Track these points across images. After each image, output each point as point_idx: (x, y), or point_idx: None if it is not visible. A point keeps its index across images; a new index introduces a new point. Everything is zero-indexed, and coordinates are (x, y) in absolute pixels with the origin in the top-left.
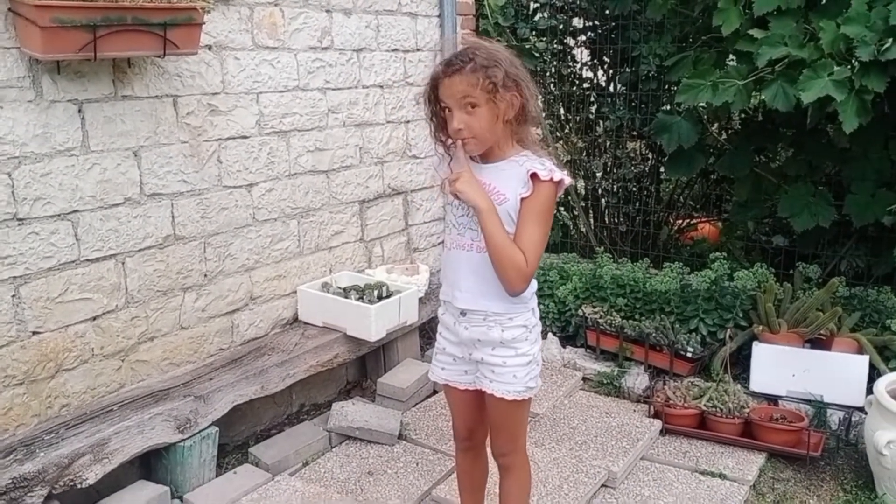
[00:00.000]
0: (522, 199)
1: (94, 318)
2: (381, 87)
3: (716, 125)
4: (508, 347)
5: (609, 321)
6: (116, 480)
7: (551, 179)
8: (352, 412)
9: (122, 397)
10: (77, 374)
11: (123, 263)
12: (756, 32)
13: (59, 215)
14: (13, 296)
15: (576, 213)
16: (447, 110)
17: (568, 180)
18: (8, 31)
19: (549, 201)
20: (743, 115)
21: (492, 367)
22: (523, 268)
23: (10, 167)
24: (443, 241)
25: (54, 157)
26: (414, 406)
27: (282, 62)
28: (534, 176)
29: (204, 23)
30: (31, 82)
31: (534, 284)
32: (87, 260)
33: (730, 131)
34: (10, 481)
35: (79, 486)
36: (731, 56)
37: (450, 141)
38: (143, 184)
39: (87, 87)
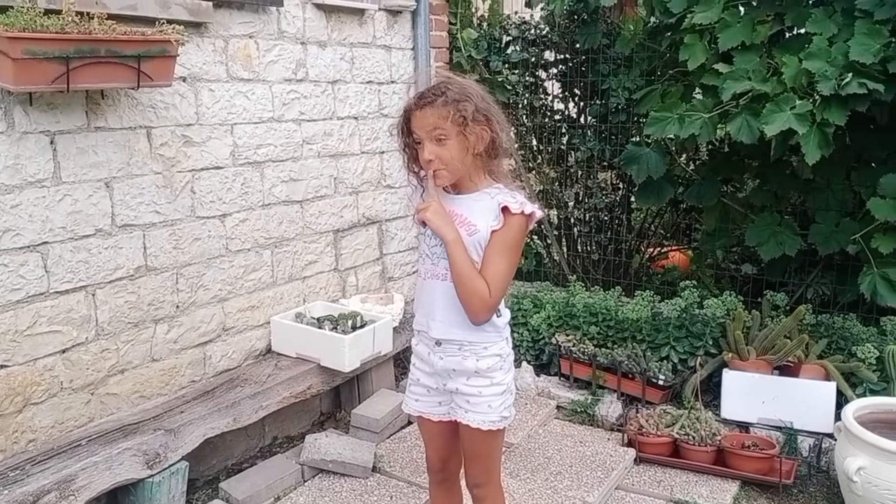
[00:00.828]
0: (493, 232)
1: (64, 351)
2: (356, 118)
3: (684, 156)
4: (483, 377)
5: (582, 349)
6: None
7: (522, 212)
8: (325, 444)
9: (91, 431)
10: (45, 408)
11: (94, 295)
12: (721, 67)
13: (28, 247)
14: None
15: (549, 241)
16: (419, 142)
17: (539, 213)
18: None
19: (518, 234)
20: (710, 147)
21: (467, 397)
22: (486, 298)
23: None
24: (417, 271)
25: (25, 189)
26: (388, 437)
27: (256, 94)
28: (505, 209)
29: (178, 55)
30: (2, 114)
31: (507, 314)
32: (57, 292)
33: (697, 162)
34: None
35: None
36: (697, 89)
37: (422, 172)
38: (115, 215)
39: (60, 119)
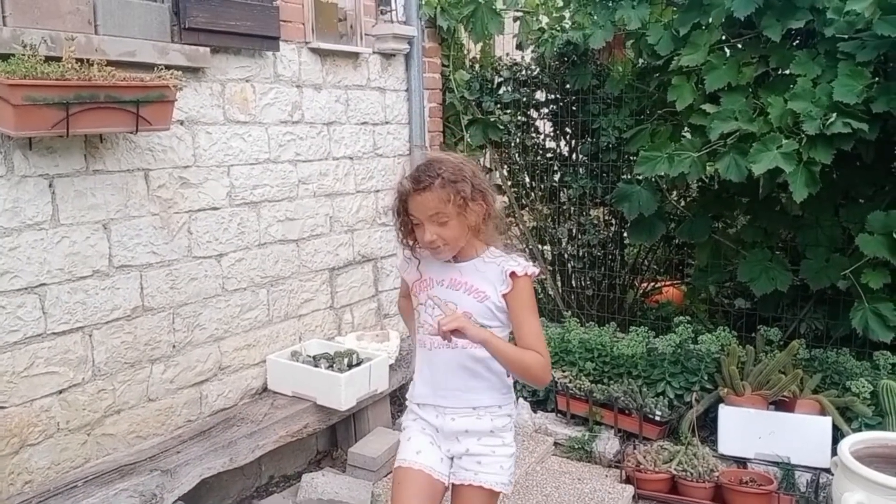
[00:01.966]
0: (505, 296)
1: (60, 392)
2: (351, 158)
3: (675, 193)
4: (496, 436)
5: (578, 385)
6: None
7: (526, 274)
8: (322, 483)
9: (87, 472)
10: (41, 449)
11: (91, 336)
12: (708, 107)
13: (26, 289)
14: None
15: (544, 277)
16: (417, 223)
17: (537, 271)
18: None
19: (532, 293)
20: (700, 184)
21: (478, 457)
22: (542, 361)
23: None
24: (420, 342)
25: (23, 231)
26: (385, 476)
27: (253, 136)
28: (512, 274)
29: (176, 99)
30: (2, 158)
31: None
32: (54, 333)
33: (688, 199)
34: None
35: None
36: (685, 128)
37: (416, 245)
38: (112, 256)
39: (59, 163)
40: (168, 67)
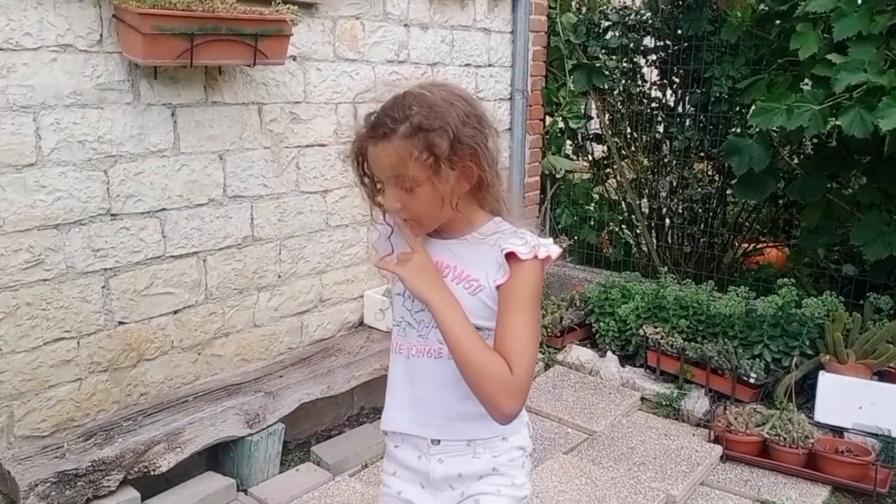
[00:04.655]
0: (500, 288)
1: (176, 312)
2: None
3: (787, 149)
4: (502, 475)
5: (670, 342)
6: (184, 470)
7: (535, 256)
8: None
9: (197, 389)
10: (156, 364)
11: (205, 261)
12: (834, 57)
13: (148, 212)
14: (103, 287)
15: (638, 231)
16: (380, 181)
17: (556, 252)
18: (111, 36)
19: (536, 284)
20: (815, 141)
21: (477, 495)
22: (506, 378)
23: (107, 165)
24: (395, 347)
25: (147, 158)
26: None
27: (360, 74)
28: (511, 256)
29: (292, 34)
30: (129, 86)
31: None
32: (172, 256)
33: (801, 156)
34: (90, 464)
35: (152, 472)
36: (805, 80)
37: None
38: (227, 186)
39: (181, 93)
40: (285, 2)
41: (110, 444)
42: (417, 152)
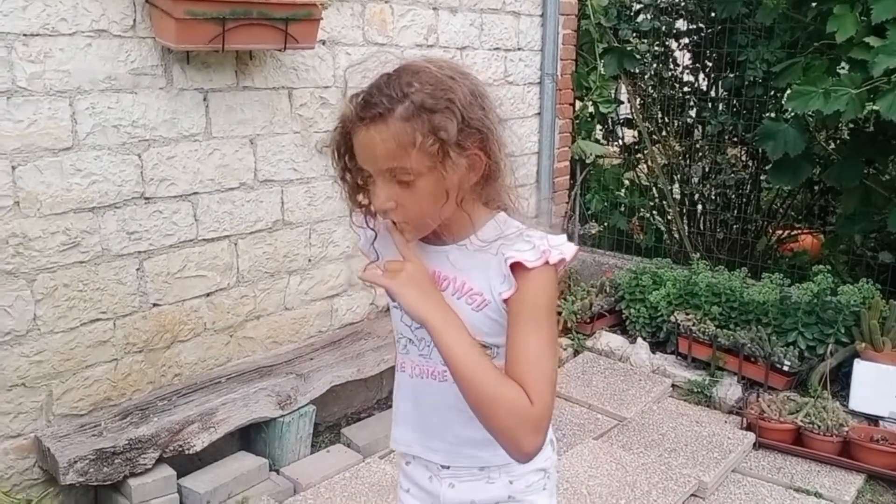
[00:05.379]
0: (507, 301)
1: (208, 295)
2: None
3: (823, 134)
4: (519, 503)
5: (702, 329)
6: (217, 450)
7: (546, 263)
8: None
9: (229, 370)
10: (190, 345)
11: (236, 244)
12: (872, 40)
13: (181, 196)
14: (138, 269)
15: (670, 217)
16: (368, 174)
17: (571, 252)
18: (144, 21)
19: (548, 295)
20: (851, 126)
21: None
22: (525, 409)
23: (141, 149)
24: (399, 365)
25: (180, 142)
26: None
27: (389, 58)
28: (516, 266)
29: (322, 18)
30: (163, 70)
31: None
32: (204, 239)
33: (837, 141)
34: (127, 442)
35: (187, 451)
36: (842, 64)
37: (370, 206)
38: (258, 170)
39: (213, 77)
40: None
41: (146, 423)
42: (421, 137)
